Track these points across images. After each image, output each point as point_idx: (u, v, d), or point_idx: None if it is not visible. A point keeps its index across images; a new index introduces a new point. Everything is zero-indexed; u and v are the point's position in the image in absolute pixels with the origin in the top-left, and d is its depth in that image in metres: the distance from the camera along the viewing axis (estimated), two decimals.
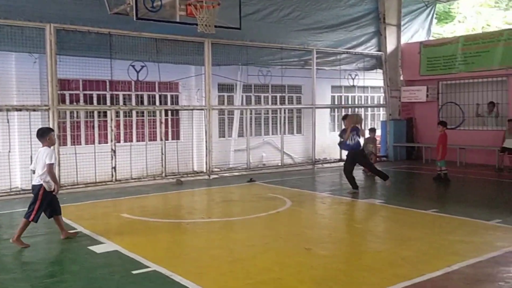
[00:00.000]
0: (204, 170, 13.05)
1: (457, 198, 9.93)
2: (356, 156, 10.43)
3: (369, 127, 15.29)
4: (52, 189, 6.59)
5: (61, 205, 6.95)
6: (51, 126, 10.43)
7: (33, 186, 6.65)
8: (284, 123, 15.49)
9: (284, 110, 15.51)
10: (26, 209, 6.63)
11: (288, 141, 15.31)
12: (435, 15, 19.93)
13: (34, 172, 6.75)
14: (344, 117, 10.94)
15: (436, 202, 9.31)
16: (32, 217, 6.53)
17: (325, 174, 13.70)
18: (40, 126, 10.62)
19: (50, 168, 6.48)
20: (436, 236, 6.84)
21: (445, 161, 11.83)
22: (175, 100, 14.02)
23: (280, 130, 15.02)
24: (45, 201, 6.59)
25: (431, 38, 19.12)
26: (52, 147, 6.73)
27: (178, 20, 10.60)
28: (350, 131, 10.22)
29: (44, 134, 6.68)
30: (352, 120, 10.44)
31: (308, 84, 15.55)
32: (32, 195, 6.69)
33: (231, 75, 14.46)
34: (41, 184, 6.53)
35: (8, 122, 10.45)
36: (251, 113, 15.03)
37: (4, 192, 10.19)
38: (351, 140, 10.29)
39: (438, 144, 11.80)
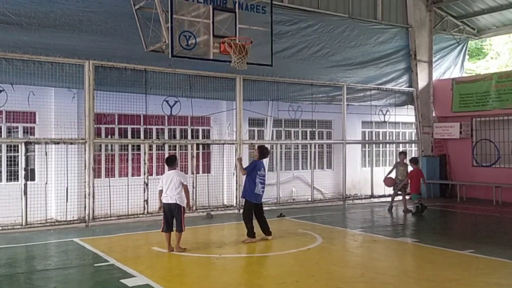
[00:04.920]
0: (234, 204, 13.06)
1: (495, 239, 9.56)
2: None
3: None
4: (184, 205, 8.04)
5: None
6: (86, 159, 10.74)
7: (172, 204, 7.91)
8: (315, 158, 15.44)
9: (314, 145, 15.50)
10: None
11: (318, 176, 15.22)
12: (467, 52, 19.81)
13: (161, 192, 8.02)
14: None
15: (472, 242, 9.01)
16: (183, 228, 8.02)
17: (356, 211, 13.50)
18: (76, 159, 11.10)
19: (187, 188, 8.08)
20: (473, 278, 6.62)
21: (418, 194, 12.91)
22: (206, 134, 14.22)
23: (310, 165, 14.97)
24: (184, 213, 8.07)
25: (464, 75, 18.96)
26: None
27: (211, 57, 10.86)
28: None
29: (175, 160, 8.23)
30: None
31: (339, 119, 15.55)
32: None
33: (262, 110, 14.61)
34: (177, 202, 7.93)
35: (46, 154, 10.79)
36: (281, 148, 15.06)
37: (40, 223, 10.41)
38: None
39: (408, 178, 12.98)
